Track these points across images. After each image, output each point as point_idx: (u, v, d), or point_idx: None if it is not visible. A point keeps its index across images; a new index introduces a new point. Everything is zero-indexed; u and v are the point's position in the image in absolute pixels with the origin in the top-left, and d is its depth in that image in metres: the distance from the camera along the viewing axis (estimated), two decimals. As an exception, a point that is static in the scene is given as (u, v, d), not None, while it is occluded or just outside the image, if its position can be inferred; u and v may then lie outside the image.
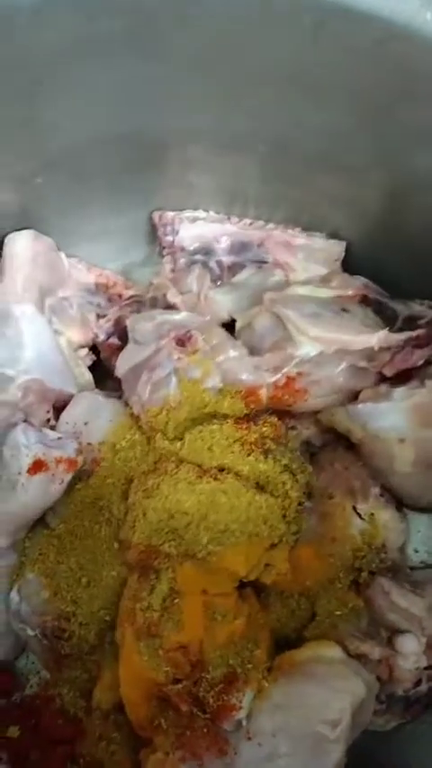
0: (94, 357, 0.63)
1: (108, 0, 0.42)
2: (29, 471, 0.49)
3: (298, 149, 0.57)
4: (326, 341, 0.53)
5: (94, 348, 0.63)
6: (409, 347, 0.54)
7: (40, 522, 0.55)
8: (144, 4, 0.43)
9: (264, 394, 0.54)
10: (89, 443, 0.54)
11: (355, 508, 0.55)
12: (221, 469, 0.49)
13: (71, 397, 0.56)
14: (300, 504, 0.50)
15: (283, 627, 0.54)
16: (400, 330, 0.55)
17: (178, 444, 0.50)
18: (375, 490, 0.56)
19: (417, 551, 0.60)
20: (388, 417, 0.53)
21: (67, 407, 0.55)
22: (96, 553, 0.53)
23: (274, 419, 0.54)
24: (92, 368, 0.63)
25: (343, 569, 0.54)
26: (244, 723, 0.49)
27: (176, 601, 0.48)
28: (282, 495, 0.49)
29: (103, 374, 0.63)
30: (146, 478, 0.49)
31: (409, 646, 0.51)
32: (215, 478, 0.47)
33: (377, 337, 0.52)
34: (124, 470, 0.53)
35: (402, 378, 0.55)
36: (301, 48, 0.45)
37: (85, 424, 0.54)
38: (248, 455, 0.49)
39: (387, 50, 0.41)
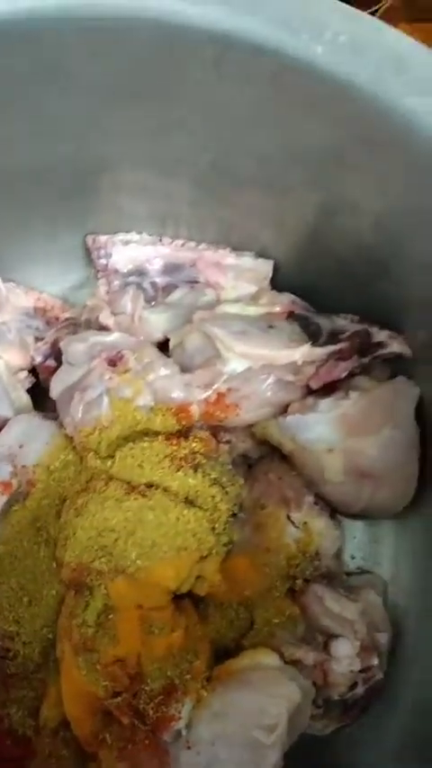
0: (33, 379, 0.64)
1: (10, 38, 0.43)
2: (-37, 495, 0.50)
3: (228, 172, 0.58)
4: (253, 357, 0.55)
5: (33, 371, 0.64)
6: (333, 360, 0.55)
7: (-22, 544, 0.56)
8: (46, 41, 0.45)
9: (195, 410, 0.55)
10: (24, 466, 0.55)
11: (289, 517, 0.56)
12: (150, 486, 0.50)
13: (6, 420, 0.57)
14: (231, 515, 0.51)
15: (222, 637, 0.55)
16: (325, 344, 0.56)
17: (109, 462, 0.51)
18: (309, 499, 0.57)
19: (353, 557, 0.62)
20: (315, 429, 0.55)
21: (3, 431, 0.56)
22: (36, 573, 0.54)
23: (205, 434, 0.55)
24: (32, 390, 0.64)
25: (279, 578, 0.55)
26: (183, 733, 0.50)
27: (111, 616, 0.48)
28: (211, 508, 0.50)
29: (43, 396, 0.63)
30: (77, 497, 0.50)
31: (343, 650, 0.53)
32: (143, 495, 0.48)
33: (300, 352, 0.54)
34: (59, 491, 0.54)
35: (328, 390, 0.56)
36: (212, 77, 0.47)
37: (20, 446, 0.55)
38: (178, 470, 0.50)
39: (284, 82, 0.43)
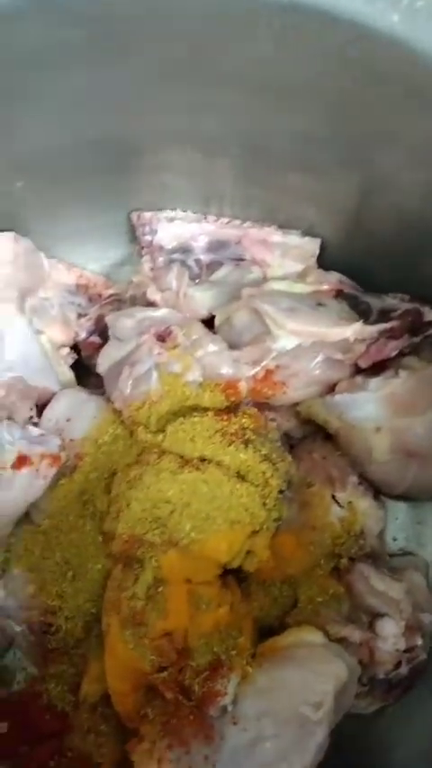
0: (75, 356, 0.64)
1: (75, 8, 0.43)
2: (13, 467, 0.50)
3: (270, 150, 0.58)
4: (303, 334, 0.54)
5: (75, 347, 0.64)
6: (384, 339, 0.55)
7: (24, 518, 0.56)
8: (109, 12, 0.44)
9: (243, 387, 0.55)
10: (72, 439, 0.55)
11: (334, 497, 0.56)
12: (203, 460, 0.50)
13: (53, 394, 0.57)
14: (280, 492, 0.51)
15: (265, 615, 0.55)
16: (375, 323, 0.56)
17: (160, 437, 0.51)
18: (353, 479, 0.57)
19: (395, 539, 0.62)
20: (364, 407, 0.54)
21: (50, 404, 0.56)
22: (81, 547, 0.54)
23: (254, 411, 0.55)
24: (73, 367, 0.64)
25: (323, 556, 0.55)
26: (229, 708, 0.49)
27: (161, 589, 0.48)
28: (262, 483, 0.50)
29: (84, 373, 0.63)
30: (129, 470, 0.50)
31: (389, 629, 0.52)
32: (197, 468, 0.48)
33: (352, 329, 0.54)
34: (107, 464, 0.54)
35: (377, 369, 0.56)
36: (268, 50, 0.47)
37: (68, 420, 0.55)
38: (229, 445, 0.50)
39: (353, 52, 0.43)
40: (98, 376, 0.59)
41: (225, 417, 0.52)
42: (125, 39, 0.48)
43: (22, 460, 0.50)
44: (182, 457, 0.50)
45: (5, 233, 0.61)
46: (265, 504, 0.50)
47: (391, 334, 0.55)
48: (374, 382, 0.55)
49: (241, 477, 0.50)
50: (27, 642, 0.56)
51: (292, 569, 0.55)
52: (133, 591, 0.48)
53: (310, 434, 0.61)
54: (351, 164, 0.56)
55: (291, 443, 0.61)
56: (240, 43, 0.47)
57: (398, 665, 0.53)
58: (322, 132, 0.54)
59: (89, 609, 0.54)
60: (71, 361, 0.63)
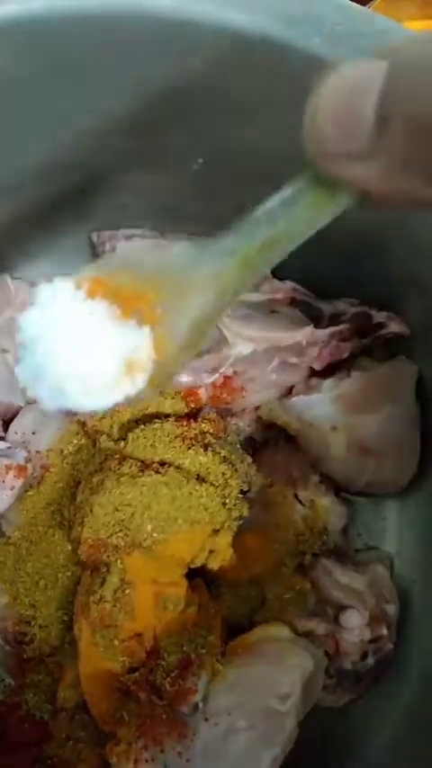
0: (42, 372, 0.65)
1: (25, 38, 0.46)
2: (-21, 479, 0.52)
3: (228, 165, 0.61)
4: (257, 339, 0.57)
5: (41, 364, 0.66)
6: (335, 342, 0.57)
7: (-4, 531, 0.57)
8: (65, 40, 0.47)
9: (203, 393, 0.57)
10: (38, 451, 0.56)
11: (296, 495, 0.58)
12: (163, 464, 0.51)
13: (19, 409, 0.59)
14: (241, 492, 0.53)
15: (234, 614, 0.56)
16: (327, 327, 0.58)
17: (122, 443, 0.53)
18: (315, 478, 0.59)
19: (359, 534, 0.63)
20: (319, 407, 0.57)
21: (16, 418, 0.58)
22: (51, 557, 0.55)
23: (213, 415, 0.57)
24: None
25: (288, 554, 0.57)
26: (200, 705, 0.51)
27: (127, 591, 0.50)
28: (222, 484, 0.52)
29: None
30: (92, 477, 0.52)
31: (353, 620, 0.54)
32: (157, 471, 0.50)
33: (303, 333, 0.56)
34: (72, 474, 0.55)
35: (331, 370, 0.58)
36: (210, 70, 0.49)
37: (33, 433, 0.57)
38: (189, 449, 0.52)
39: (285, 72, 0.45)
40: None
41: (185, 423, 0.54)
42: (82, 62, 0.51)
43: (-12, 473, 0.52)
44: (143, 461, 0.51)
45: (-31, 256, 0.63)
46: (225, 503, 0.51)
47: (341, 337, 0.57)
48: (328, 383, 0.57)
49: (201, 478, 0.51)
50: (2, 653, 0.57)
51: (259, 568, 0.56)
52: (100, 594, 0.50)
53: (273, 438, 0.62)
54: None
55: (254, 447, 0.63)
56: (189, 64, 0.50)
57: (364, 655, 0.55)
58: (276, 148, 0.56)
59: (62, 617, 0.56)
60: (38, 378, 0.65)
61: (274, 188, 0.60)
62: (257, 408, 0.61)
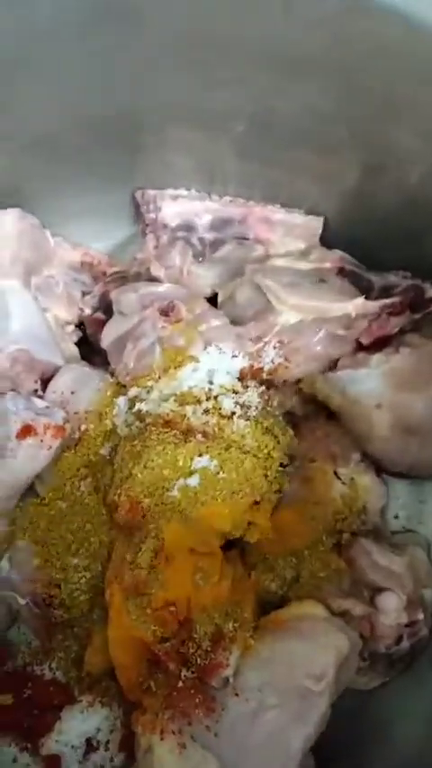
0: (80, 333, 0.64)
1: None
2: (17, 436, 0.50)
3: (275, 127, 0.58)
4: (305, 309, 0.55)
5: (80, 325, 0.65)
6: (385, 315, 0.55)
7: (29, 491, 0.56)
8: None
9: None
10: (76, 412, 0.55)
11: (336, 473, 0.56)
12: (205, 432, 0.50)
13: (58, 368, 0.57)
14: (281, 465, 0.52)
15: (267, 589, 0.55)
16: (377, 299, 0.56)
17: (164, 409, 0.52)
18: (355, 455, 0.57)
19: (397, 517, 0.62)
20: (365, 383, 0.55)
21: (55, 377, 0.57)
22: (85, 520, 0.54)
23: (256, 386, 0.55)
24: (78, 344, 0.64)
25: (325, 532, 0.55)
26: (231, 680, 0.50)
27: (163, 559, 0.49)
28: (264, 455, 0.50)
29: (89, 350, 0.64)
30: (132, 442, 0.50)
31: (390, 603, 0.53)
32: (199, 440, 0.49)
33: (354, 304, 0.54)
34: (111, 437, 0.54)
35: (378, 345, 0.56)
36: (273, 23, 0.47)
37: (72, 393, 0.56)
38: (231, 418, 0.51)
39: (356, 20, 0.43)
40: (102, 353, 0.59)
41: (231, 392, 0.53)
42: (132, 10, 0.48)
43: (26, 430, 0.50)
44: (185, 428, 0.50)
45: (11, 209, 0.61)
46: (266, 475, 0.50)
47: (392, 311, 0.55)
48: (376, 358, 0.55)
49: (244, 448, 0.50)
50: (31, 615, 0.56)
51: (295, 544, 0.55)
52: (136, 560, 0.49)
53: (313, 413, 0.61)
54: (355, 141, 0.56)
55: (293, 421, 0.61)
56: (245, 16, 0.48)
57: (399, 639, 0.54)
58: (327, 108, 0.54)
59: (93, 582, 0.55)
60: (76, 339, 0.63)
61: (322, 150, 0.59)
62: (298, 381, 0.59)
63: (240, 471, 0.49)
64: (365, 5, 0.42)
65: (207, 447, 0.48)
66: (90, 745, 0.56)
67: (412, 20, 0.42)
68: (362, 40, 0.46)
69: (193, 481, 0.48)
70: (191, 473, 0.48)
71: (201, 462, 0.48)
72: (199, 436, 0.49)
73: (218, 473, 0.48)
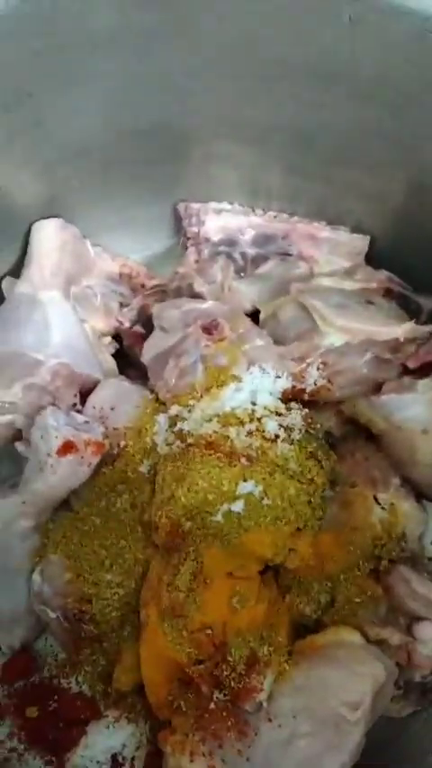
0: (117, 345, 0.64)
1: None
2: (58, 453, 0.50)
3: (322, 143, 0.58)
4: (352, 331, 0.54)
5: (116, 337, 0.64)
6: (433, 340, 0.55)
7: (63, 505, 0.56)
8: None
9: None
10: (115, 428, 0.55)
11: (375, 497, 0.56)
12: (250, 455, 0.49)
13: (97, 382, 0.57)
14: (324, 490, 0.51)
15: (301, 612, 0.54)
16: (425, 323, 0.56)
17: (208, 430, 0.51)
18: (396, 480, 0.56)
19: (434, 543, 0.61)
20: (412, 408, 0.54)
21: (94, 392, 0.56)
22: (119, 536, 0.54)
23: (299, 408, 0.54)
24: (114, 356, 0.63)
25: (363, 557, 0.54)
26: (264, 705, 0.49)
27: (202, 582, 0.48)
28: (307, 481, 0.50)
29: (124, 362, 0.63)
30: (174, 462, 0.50)
31: (429, 632, 0.52)
32: (243, 463, 0.48)
33: (403, 329, 0.53)
34: (150, 455, 0.53)
35: (426, 370, 0.55)
36: (336, 40, 0.46)
37: (112, 408, 0.55)
38: (276, 441, 0.50)
39: (424, 45, 0.42)
40: (138, 366, 0.59)
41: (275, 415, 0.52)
42: (186, 26, 0.48)
43: (67, 447, 0.50)
44: (229, 450, 0.49)
45: (52, 219, 0.61)
46: (310, 501, 0.49)
47: (441, 336, 0.54)
48: (424, 384, 0.54)
49: (288, 473, 0.49)
50: (61, 629, 0.56)
51: (330, 568, 0.54)
52: (174, 582, 0.48)
53: (351, 434, 0.60)
54: (402, 160, 0.55)
55: (330, 442, 0.60)
56: (304, 31, 0.47)
57: (435, 669, 0.53)
58: (378, 125, 0.54)
59: (126, 599, 0.54)
60: (113, 350, 0.63)
61: (369, 168, 0.58)
62: (340, 402, 0.58)
63: (285, 497, 0.48)
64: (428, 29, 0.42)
65: (252, 471, 0.48)
66: (116, 762, 0.56)
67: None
68: (418, 63, 0.45)
69: (238, 507, 0.47)
70: (235, 498, 0.47)
71: (246, 487, 0.47)
72: (243, 460, 0.48)
73: (262, 499, 0.47)
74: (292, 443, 0.50)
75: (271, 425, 0.51)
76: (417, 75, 0.46)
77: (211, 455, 0.49)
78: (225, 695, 0.50)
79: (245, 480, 0.47)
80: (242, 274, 0.63)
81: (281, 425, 0.51)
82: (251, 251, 0.63)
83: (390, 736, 0.55)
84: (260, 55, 0.51)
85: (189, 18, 0.47)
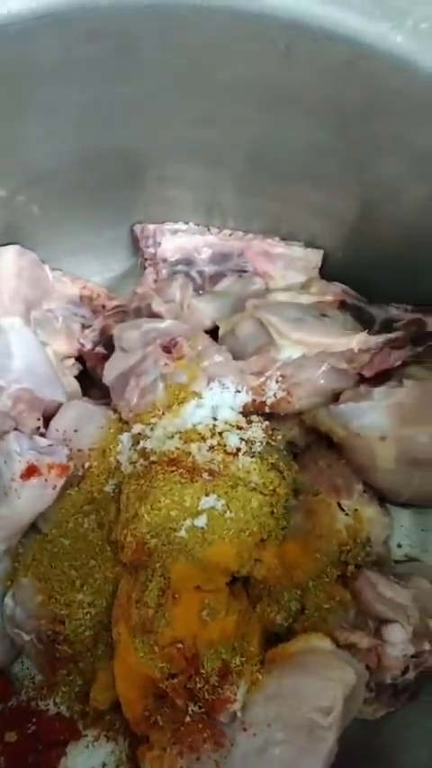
0: (80, 367, 0.64)
1: (93, 24, 0.44)
2: (22, 477, 0.51)
3: (274, 162, 0.59)
4: (308, 344, 0.55)
5: (79, 358, 0.65)
6: (388, 348, 0.56)
7: (32, 528, 0.56)
8: (126, 28, 0.45)
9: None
10: (79, 449, 0.55)
11: (339, 504, 0.57)
12: (212, 470, 0.50)
13: (60, 405, 0.58)
14: (287, 500, 0.52)
15: (273, 621, 0.55)
16: (379, 333, 0.57)
17: (170, 448, 0.52)
18: (359, 487, 0.58)
19: (400, 546, 0.62)
20: (369, 416, 0.55)
21: (57, 415, 0.57)
22: (88, 556, 0.54)
23: (260, 421, 0.55)
24: (77, 377, 0.64)
25: (330, 564, 0.55)
26: (239, 715, 0.50)
27: (171, 597, 0.49)
28: (270, 492, 0.51)
29: (88, 383, 0.64)
30: (138, 480, 0.50)
31: (397, 635, 0.53)
32: (205, 478, 0.49)
33: (357, 339, 0.54)
34: (115, 474, 0.54)
35: (381, 378, 0.57)
36: (275, 66, 0.48)
37: (75, 431, 0.56)
38: (237, 455, 0.51)
39: (355, 70, 0.44)
40: (102, 386, 0.60)
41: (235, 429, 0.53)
42: (132, 51, 0.49)
43: (31, 471, 0.51)
44: (191, 466, 0.50)
45: (10, 246, 0.61)
46: (273, 512, 0.50)
47: (395, 344, 0.56)
48: (379, 391, 0.55)
49: (250, 486, 0.50)
50: (36, 651, 0.56)
51: (299, 576, 0.55)
52: (143, 599, 0.49)
53: (314, 443, 0.61)
54: (354, 176, 0.57)
55: (294, 452, 0.61)
56: (247, 60, 0.49)
57: (405, 670, 0.54)
58: (325, 145, 0.55)
59: (98, 618, 0.55)
60: (76, 372, 0.64)
61: (320, 184, 0.60)
62: (300, 413, 0.59)
63: (247, 510, 0.49)
64: (365, 54, 0.43)
65: (214, 486, 0.49)
66: (97, 780, 0.56)
67: (411, 65, 0.43)
68: (360, 85, 0.47)
69: (201, 522, 0.48)
70: (198, 513, 0.48)
71: (208, 502, 0.48)
72: (205, 475, 0.49)
73: (225, 512, 0.48)
74: (253, 456, 0.52)
75: (232, 439, 0.52)
76: (353, 98, 0.47)
77: (173, 472, 0.49)
78: (200, 707, 0.50)
79: (207, 495, 0.48)
80: (200, 292, 0.64)
81: (242, 439, 0.53)
82: (208, 269, 0.64)
83: (364, 738, 0.56)
84: (206, 82, 0.52)
85: (132, 49, 0.48)
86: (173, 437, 0.52)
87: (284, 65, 0.47)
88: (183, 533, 0.48)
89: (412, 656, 0.54)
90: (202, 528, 0.48)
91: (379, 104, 0.48)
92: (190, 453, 0.51)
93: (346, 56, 0.43)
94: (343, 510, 0.57)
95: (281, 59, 0.46)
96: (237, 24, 0.45)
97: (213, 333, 0.62)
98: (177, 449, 0.51)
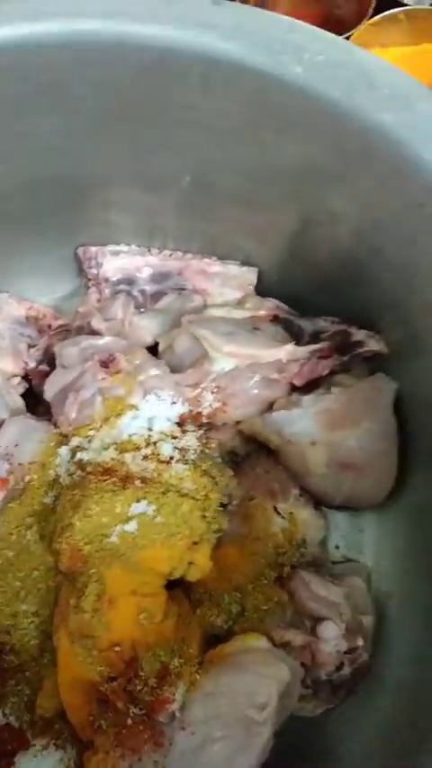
0: (26, 385, 0.66)
1: (20, 68, 0.47)
2: (-37, 490, 0.52)
3: (211, 186, 0.62)
4: (239, 356, 0.58)
5: (26, 376, 0.67)
6: (315, 358, 0.59)
7: (-25, 542, 0.58)
8: (53, 65, 0.48)
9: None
10: (20, 463, 0.57)
11: (275, 508, 0.59)
12: (143, 478, 0.52)
13: (2, 422, 0.60)
14: (221, 505, 0.54)
15: (213, 624, 0.57)
16: (307, 344, 0.60)
17: (103, 457, 0.54)
18: (295, 491, 0.60)
19: (337, 547, 0.65)
20: (299, 423, 0.58)
21: (-1, 431, 0.59)
22: (32, 567, 0.56)
23: (195, 430, 0.58)
24: (24, 395, 0.66)
25: (267, 566, 0.58)
26: (177, 714, 0.51)
27: (107, 602, 0.50)
28: (202, 497, 0.53)
29: (34, 401, 0.66)
30: (72, 490, 0.52)
31: (329, 631, 0.55)
32: (136, 485, 0.51)
33: (285, 350, 0.57)
34: (54, 486, 0.56)
35: (311, 387, 0.60)
36: (195, 95, 0.51)
37: (16, 445, 0.58)
38: (169, 463, 0.53)
39: (265, 99, 0.47)
40: (45, 403, 0.62)
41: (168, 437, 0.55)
42: (60, 88, 0.52)
43: (-29, 484, 0.52)
44: (123, 475, 0.52)
45: None
46: (204, 516, 0.52)
47: (321, 354, 0.59)
48: (308, 399, 0.58)
49: (181, 492, 0.53)
50: (-18, 662, 0.57)
51: (238, 579, 0.57)
52: (80, 605, 0.50)
53: (255, 451, 0.64)
54: (287, 199, 0.59)
55: (236, 461, 0.64)
56: (169, 90, 0.52)
57: (340, 666, 0.56)
58: (260, 170, 0.57)
59: (42, 627, 0.56)
60: (22, 390, 0.66)
61: (256, 206, 0.63)
62: (238, 423, 0.62)
63: (178, 514, 0.51)
64: (275, 84, 0.46)
65: (145, 492, 0.51)
66: (45, 789, 0.57)
67: (311, 95, 0.46)
68: (276, 112, 0.50)
69: (131, 527, 0.50)
70: (128, 519, 0.50)
71: (138, 508, 0.50)
72: (137, 482, 0.51)
73: (155, 517, 0.50)
74: (186, 463, 0.54)
75: (166, 448, 0.54)
76: (272, 126, 0.50)
77: (105, 480, 0.51)
78: (140, 709, 0.52)
79: (137, 501, 0.50)
80: (142, 310, 0.66)
81: (176, 447, 0.55)
82: (149, 288, 0.67)
83: (305, 736, 0.58)
84: (136, 113, 0.55)
85: (59, 86, 0.50)
86: (108, 448, 0.54)
87: (202, 93, 0.50)
88: (115, 539, 0.50)
89: (346, 652, 0.56)
90: (133, 533, 0.50)
91: (293, 133, 0.51)
92: (124, 463, 0.53)
93: (255, 86, 0.46)
94: (279, 513, 0.59)
95: (198, 88, 0.49)
96: (152, 58, 0.48)
97: (155, 349, 0.64)
98: (112, 459, 0.53)
